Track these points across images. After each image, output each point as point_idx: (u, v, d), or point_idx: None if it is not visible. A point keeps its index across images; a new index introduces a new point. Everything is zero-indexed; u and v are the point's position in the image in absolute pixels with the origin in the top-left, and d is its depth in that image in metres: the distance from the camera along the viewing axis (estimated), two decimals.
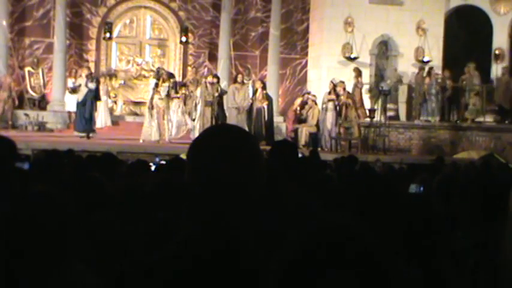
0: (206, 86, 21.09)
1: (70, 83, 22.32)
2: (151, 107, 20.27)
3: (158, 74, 20.98)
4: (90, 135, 20.39)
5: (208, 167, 2.04)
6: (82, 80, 20.80)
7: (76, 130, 20.70)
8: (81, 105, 20.50)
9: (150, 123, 20.25)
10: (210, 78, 21.48)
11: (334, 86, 21.84)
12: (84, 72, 21.11)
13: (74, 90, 21.41)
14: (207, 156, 2.06)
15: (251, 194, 2.07)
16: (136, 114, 24.22)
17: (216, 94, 20.90)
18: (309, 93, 23.12)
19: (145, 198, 4.59)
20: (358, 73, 22.74)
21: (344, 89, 21.80)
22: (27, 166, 5.76)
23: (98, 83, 21.11)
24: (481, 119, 23.56)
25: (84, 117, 20.43)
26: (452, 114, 24.09)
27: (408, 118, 24.40)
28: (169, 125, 20.51)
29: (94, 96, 20.64)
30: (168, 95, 20.33)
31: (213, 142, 2.10)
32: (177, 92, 21.23)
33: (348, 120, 21.71)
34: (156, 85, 20.43)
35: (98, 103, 21.30)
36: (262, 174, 2.11)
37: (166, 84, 20.33)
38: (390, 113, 22.90)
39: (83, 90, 20.56)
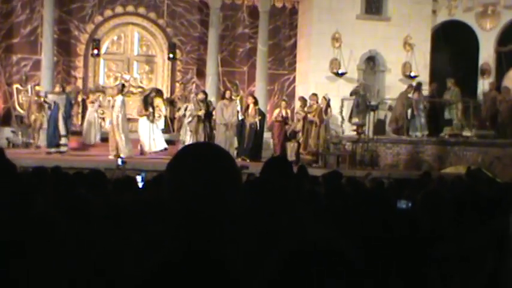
0: (198, 103, 21.23)
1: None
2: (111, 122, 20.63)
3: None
4: (52, 150, 20.34)
5: (186, 184, 2.05)
6: (53, 98, 20.81)
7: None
8: (48, 121, 20.65)
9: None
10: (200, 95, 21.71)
11: (328, 102, 21.81)
12: (56, 89, 21.13)
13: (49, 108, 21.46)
14: (185, 173, 2.07)
15: (230, 210, 2.08)
16: (131, 131, 24.20)
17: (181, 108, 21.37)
18: (285, 100, 23.29)
19: (131, 215, 4.57)
20: (304, 102, 22.54)
21: (316, 102, 21.75)
22: None
23: (66, 98, 21.01)
24: (468, 133, 23.68)
25: (48, 132, 20.55)
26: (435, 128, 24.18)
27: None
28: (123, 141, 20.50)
29: (56, 111, 20.68)
30: (112, 108, 20.40)
31: (191, 160, 2.11)
32: (146, 109, 21.47)
33: (336, 135, 21.75)
34: (109, 101, 20.82)
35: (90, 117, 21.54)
36: (239, 190, 2.12)
37: (114, 98, 20.49)
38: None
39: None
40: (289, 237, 1.79)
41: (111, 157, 19.49)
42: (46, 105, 20.97)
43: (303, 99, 22.65)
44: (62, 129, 20.51)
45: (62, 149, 20.47)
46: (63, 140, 20.59)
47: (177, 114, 23.23)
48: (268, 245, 3.00)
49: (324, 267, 1.77)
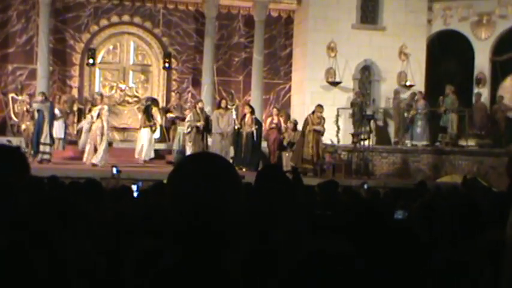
0: (198, 113, 21.28)
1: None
2: (88, 131, 20.55)
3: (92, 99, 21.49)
4: (39, 158, 20.44)
5: (190, 195, 2.06)
6: (37, 107, 20.87)
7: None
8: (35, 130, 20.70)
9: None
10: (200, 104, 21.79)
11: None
12: (38, 98, 21.17)
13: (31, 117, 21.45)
14: (185, 179, 2.08)
15: (232, 221, 2.09)
16: (127, 140, 24.27)
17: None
18: (276, 107, 23.40)
19: (129, 225, 4.57)
20: (287, 117, 22.57)
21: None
22: None
23: (49, 106, 21.05)
24: (463, 142, 23.73)
25: (33, 141, 20.58)
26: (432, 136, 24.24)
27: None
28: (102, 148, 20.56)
29: (39, 119, 20.69)
30: (98, 118, 20.38)
31: (191, 166, 2.12)
32: (149, 120, 21.62)
33: (331, 144, 21.78)
34: (89, 110, 20.74)
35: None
36: (241, 200, 2.13)
37: (98, 107, 20.46)
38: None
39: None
40: (290, 247, 1.81)
41: (93, 162, 20.00)
42: (30, 114, 21.14)
43: (286, 114, 22.68)
44: (45, 137, 20.59)
45: (45, 156, 20.54)
46: (45, 148, 20.66)
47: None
48: (266, 249, 3.02)
49: (329, 272, 1.79)
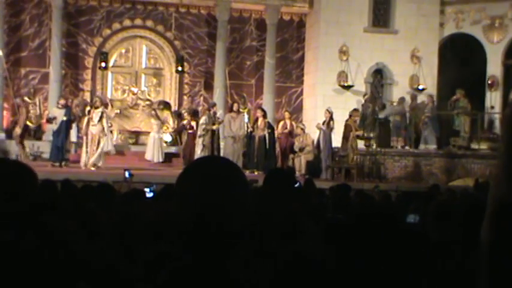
0: (213, 117, 21.34)
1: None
2: (85, 134, 20.42)
3: (91, 102, 21.32)
4: (63, 163, 20.44)
5: (198, 197, 2.07)
6: (58, 111, 20.82)
7: (50, 159, 20.70)
8: (55, 135, 20.60)
9: (85, 149, 20.35)
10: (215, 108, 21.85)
11: (331, 114, 21.85)
12: (61, 101, 21.13)
13: (48, 121, 21.37)
14: (196, 186, 2.09)
15: (239, 223, 2.10)
16: (139, 143, 24.32)
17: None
18: (287, 111, 23.43)
19: (142, 229, 4.58)
20: (263, 114, 22.32)
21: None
22: None
23: (69, 113, 21.02)
24: (475, 146, 23.65)
25: (57, 146, 20.52)
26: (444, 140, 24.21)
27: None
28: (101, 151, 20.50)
29: (66, 126, 20.71)
30: (100, 121, 20.26)
31: (203, 172, 2.13)
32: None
33: (344, 148, 21.78)
34: (89, 112, 20.50)
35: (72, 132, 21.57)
36: (248, 203, 2.15)
37: (100, 110, 20.33)
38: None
39: (58, 121, 20.76)
40: (277, 249, 1.84)
41: (93, 168, 19.83)
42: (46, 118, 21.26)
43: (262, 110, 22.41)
44: (68, 144, 20.79)
45: (67, 163, 20.72)
46: (67, 155, 20.87)
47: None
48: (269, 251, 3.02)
49: (305, 276, 1.81)
